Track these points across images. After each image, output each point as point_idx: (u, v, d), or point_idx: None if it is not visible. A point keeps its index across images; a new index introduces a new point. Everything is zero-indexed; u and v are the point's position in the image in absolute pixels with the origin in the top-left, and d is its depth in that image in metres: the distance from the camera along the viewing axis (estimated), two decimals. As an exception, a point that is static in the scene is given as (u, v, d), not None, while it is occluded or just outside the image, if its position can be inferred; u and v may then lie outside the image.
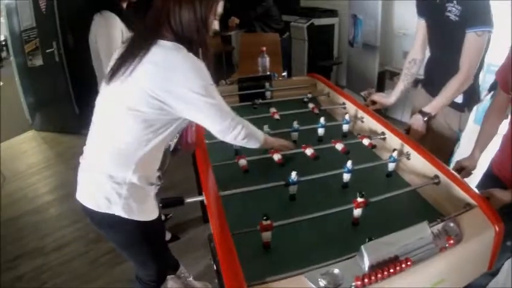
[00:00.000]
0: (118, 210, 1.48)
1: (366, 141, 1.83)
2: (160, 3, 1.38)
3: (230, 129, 1.50)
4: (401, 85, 2.36)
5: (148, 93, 1.33)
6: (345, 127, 2.02)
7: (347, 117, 2.00)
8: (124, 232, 1.59)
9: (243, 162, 1.68)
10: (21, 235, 3.15)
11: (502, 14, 2.11)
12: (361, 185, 1.52)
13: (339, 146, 1.76)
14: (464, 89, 1.97)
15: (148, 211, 1.57)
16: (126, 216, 1.49)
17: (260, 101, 2.43)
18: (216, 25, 1.47)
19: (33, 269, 2.70)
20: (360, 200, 1.33)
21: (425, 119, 2.05)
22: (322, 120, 1.97)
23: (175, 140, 1.73)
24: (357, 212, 1.35)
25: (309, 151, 1.72)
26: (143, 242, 1.66)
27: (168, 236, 2.80)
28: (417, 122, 2.07)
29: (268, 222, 1.22)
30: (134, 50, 1.36)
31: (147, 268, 1.81)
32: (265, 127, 1.87)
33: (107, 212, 1.48)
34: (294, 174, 1.46)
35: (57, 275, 2.62)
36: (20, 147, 5.07)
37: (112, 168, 1.45)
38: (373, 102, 2.39)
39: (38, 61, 5.12)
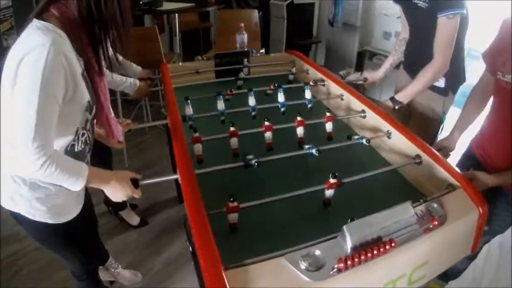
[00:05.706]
0: (22, 211, 1.34)
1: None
2: None
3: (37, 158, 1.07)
4: (390, 59, 2.39)
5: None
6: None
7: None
8: (34, 232, 1.46)
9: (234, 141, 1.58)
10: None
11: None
12: (339, 164, 1.49)
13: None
14: (440, 76, 1.95)
15: (59, 213, 1.40)
16: (31, 218, 1.35)
17: (243, 75, 2.36)
18: None
19: (8, 255, 2.57)
20: (332, 181, 1.28)
21: (397, 107, 2.00)
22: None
23: (84, 139, 1.35)
24: (329, 192, 1.31)
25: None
26: (57, 242, 1.52)
27: (136, 221, 2.71)
28: (386, 110, 1.97)
29: (235, 204, 1.18)
30: None
31: (69, 262, 1.69)
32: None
33: (13, 210, 1.35)
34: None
35: (33, 261, 2.50)
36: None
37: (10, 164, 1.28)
38: (365, 79, 2.38)
39: (13, 41, 4.86)
